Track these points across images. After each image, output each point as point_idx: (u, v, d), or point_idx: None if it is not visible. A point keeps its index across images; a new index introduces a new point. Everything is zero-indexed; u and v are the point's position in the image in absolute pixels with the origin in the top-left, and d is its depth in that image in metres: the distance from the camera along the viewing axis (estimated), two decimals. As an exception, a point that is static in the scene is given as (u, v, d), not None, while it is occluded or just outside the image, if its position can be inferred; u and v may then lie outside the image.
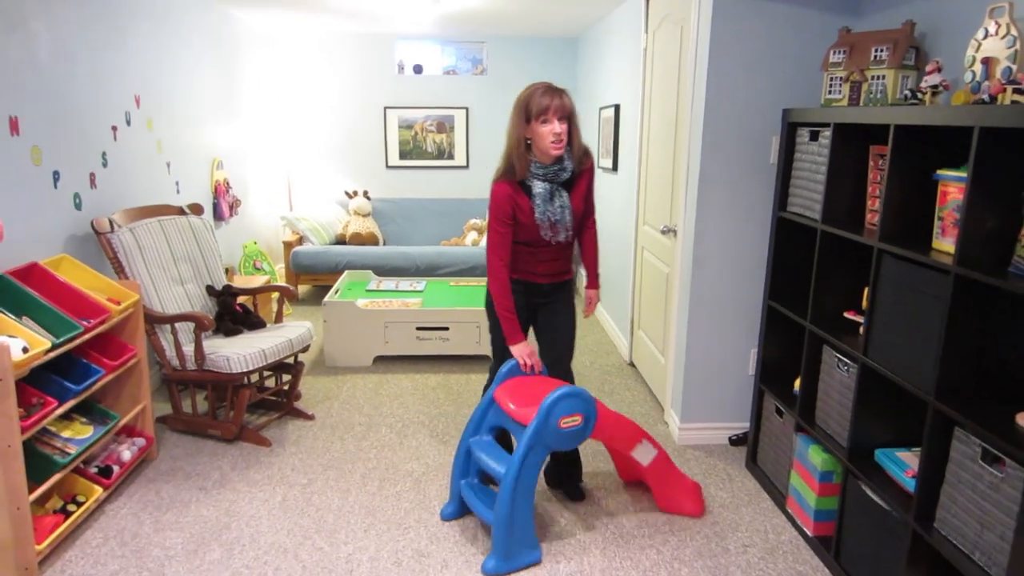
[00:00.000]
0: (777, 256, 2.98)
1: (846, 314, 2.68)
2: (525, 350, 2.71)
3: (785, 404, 2.90)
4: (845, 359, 2.50)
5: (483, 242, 6.29)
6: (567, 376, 2.85)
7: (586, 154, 2.69)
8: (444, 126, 6.82)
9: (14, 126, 2.87)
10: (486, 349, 4.56)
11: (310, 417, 3.76)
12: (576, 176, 2.68)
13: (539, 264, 2.74)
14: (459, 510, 2.81)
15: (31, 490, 2.38)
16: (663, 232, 3.68)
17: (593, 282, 3.00)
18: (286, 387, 3.81)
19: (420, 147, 6.88)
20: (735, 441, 3.50)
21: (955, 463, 1.95)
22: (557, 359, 2.84)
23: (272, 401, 3.83)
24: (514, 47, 6.73)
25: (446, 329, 4.53)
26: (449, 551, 2.60)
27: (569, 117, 2.54)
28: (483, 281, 5.46)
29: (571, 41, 6.71)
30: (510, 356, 2.77)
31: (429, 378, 4.37)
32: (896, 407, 2.37)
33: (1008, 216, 1.85)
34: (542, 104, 2.48)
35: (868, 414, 2.41)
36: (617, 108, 4.82)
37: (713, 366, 3.43)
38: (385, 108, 6.78)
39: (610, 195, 5.22)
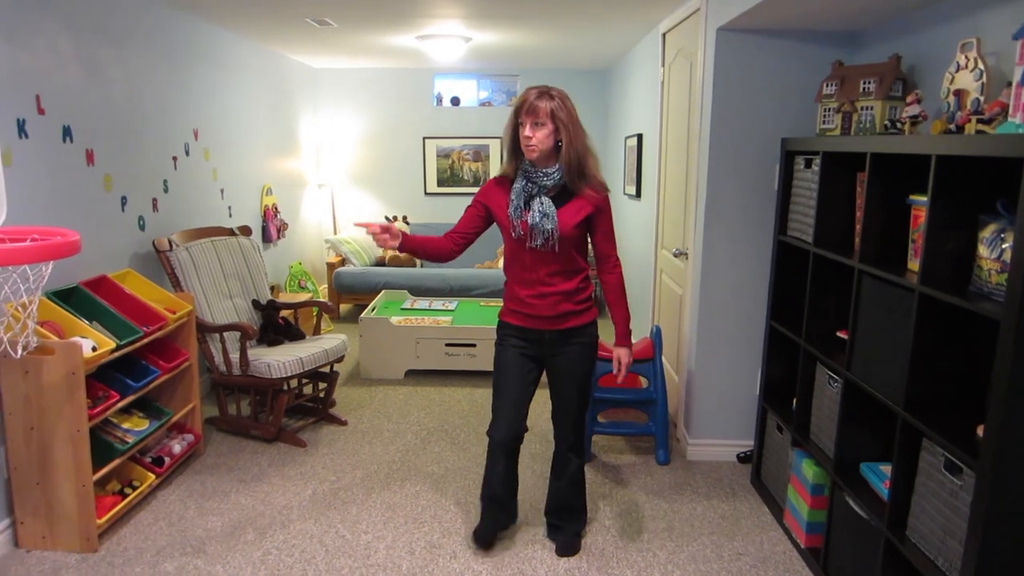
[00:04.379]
0: (778, 278, 3.15)
1: (838, 333, 2.82)
2: None
3: (785, 421, 3.04)
4: (834, 375, 2.66)
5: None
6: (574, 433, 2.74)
7: (593, 181, 2.49)
8: (480, 155, 7.15)
9: (90, 157, 3.28)
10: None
11: (343, 423, 4.04)
12: (571, 193, 2.48)
13: (522, 288, 2.55)
14: (591, 454, 3.66)
15: (94, 471, 2.71)
16: (675, 255, 3.88)
17: (620, 339, 2.63)
18: (322, 394, 4.11)
19: (457, 175, 7.22)
20: (743, 458, 3.63)
21: (923, 473, 2.06)
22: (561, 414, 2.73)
23: (309, 407, 4.13)
24: (547, 79, 6.89)
25: (473, 346, 4.78)
26: (459, 544, 2.83)
27: (554, 122, 2.38)
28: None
29: (602, 73, 6.99)
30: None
31: (456, 391, 4.62)
32: (881, 422, 2.48)
33: (968, 238, 1.99)
34: (517, 104, 2.43)
35: (853, 428, 2.53)
36: (640, 137, 5.07)
37: (721, 385, 3.59)
38: (424, 138, 7.15)
39: (634, 221, 5.44)
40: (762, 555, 2.82)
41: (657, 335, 3.64)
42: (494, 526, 2.81)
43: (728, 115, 3.31)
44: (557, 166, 2.44)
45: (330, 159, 6.99)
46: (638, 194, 5.20)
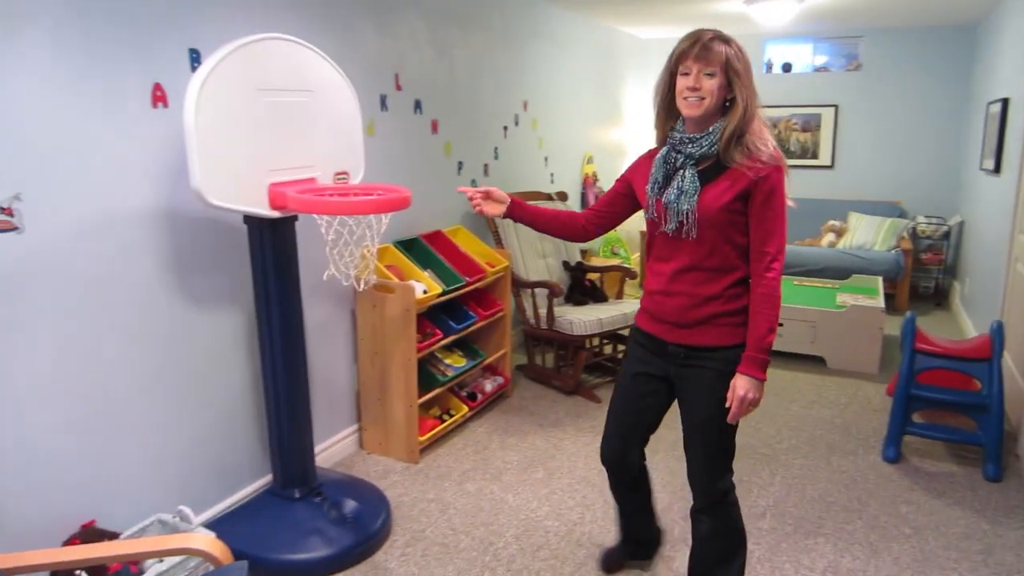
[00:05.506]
0: None
1: None
2: None
3: None
4: None
5: (840, 244, 6.04)
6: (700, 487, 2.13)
7: (756, 151, 1.87)
8: (810, 124, 6.66)
9: (435, 127, 3.82)
10: (819, 349, 4.51)
11: (636, 386, 4.19)
12: (724, 168, 1.89)
13: (654, 281, 2.04)
14: (899, 454, 3.31)
15: (420, 396, 3.22)
16: (1034, 241, 3.27)
17: (745, 363, 1.90)
18: (620, 355, 4.29)
19: (783, 145, 6.81)
20: (1109, 492, 2.99)
21: None
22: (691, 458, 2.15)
23: (607, 366, 4.35)
24: (896, 40, 6.24)
25: (780, 325, 4.56)
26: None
27: (727, 74, 1.85)
28: (829, 284, 5.32)
29: (966, 30, 5.98)
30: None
31: (755, 370, 4.47)
32: None
33: None
34: (681, 48, 1.88)
35: None
36: (1005, 103, 4.29)
37: (1084, 398, 2.98)
38: (750, 106, 6.87)
39: (989, 199, 4.65)
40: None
41: (997, 331, 3.13)
42: (619, 552, 2.55)
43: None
44: (711, 130, 1.88)
45: (648, 130, 7.08)
46: (997, 169, 4.43)
